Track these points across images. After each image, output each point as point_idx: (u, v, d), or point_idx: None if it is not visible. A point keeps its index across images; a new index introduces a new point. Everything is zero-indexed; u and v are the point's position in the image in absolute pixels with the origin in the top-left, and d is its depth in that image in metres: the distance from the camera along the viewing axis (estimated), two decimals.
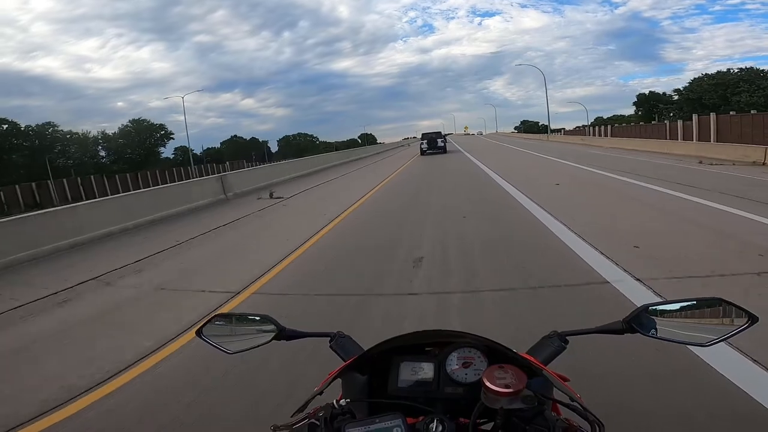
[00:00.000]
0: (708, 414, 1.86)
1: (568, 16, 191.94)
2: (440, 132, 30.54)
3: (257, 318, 0.95)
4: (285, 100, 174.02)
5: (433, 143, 27.16)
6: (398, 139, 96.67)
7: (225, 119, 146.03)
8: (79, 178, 33.52)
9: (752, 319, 0.73)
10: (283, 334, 0.92)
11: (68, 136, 50.46)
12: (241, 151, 76.30)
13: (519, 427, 0.66)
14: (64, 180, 32.47)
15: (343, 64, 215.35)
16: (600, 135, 35.14)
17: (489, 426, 0.71)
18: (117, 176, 35.90)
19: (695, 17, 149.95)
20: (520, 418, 0.66)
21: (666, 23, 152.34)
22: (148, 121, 60.17)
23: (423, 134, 30.13)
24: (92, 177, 33.90)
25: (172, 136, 62.00)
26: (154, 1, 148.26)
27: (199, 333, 0.92)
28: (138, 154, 56.97)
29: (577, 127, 61.54)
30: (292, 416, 0.73)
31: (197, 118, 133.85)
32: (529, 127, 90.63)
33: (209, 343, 0.91)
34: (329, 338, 0.95)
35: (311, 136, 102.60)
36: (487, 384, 0.62)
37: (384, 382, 0.79)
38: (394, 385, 0.77)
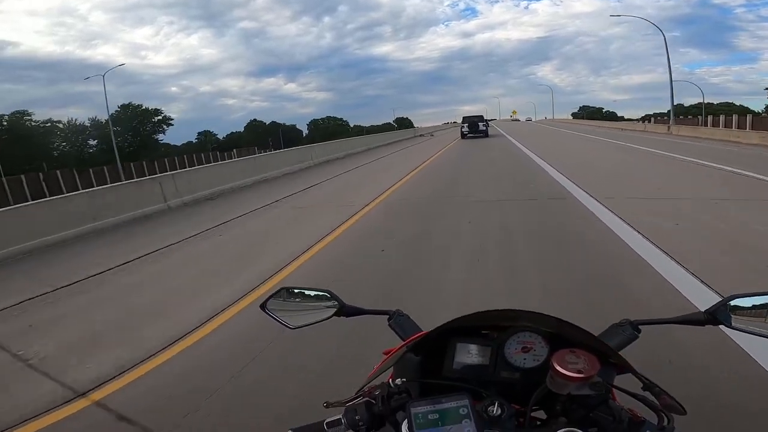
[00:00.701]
0: None
1: (625, 0, 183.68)
2: (482, 116, 29.89)
3: (320, 293, 0.96)
4: (326, 85, 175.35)
5: (474, 127, 26.95)
6: (438, 124, 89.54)
7: (269, 103, 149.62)
8: (41, 174, 27.55)
9: None
10: (344, 311, 0.93)
11: (47, 125, 45.40)
12: (261, 137, 72.12)
13: (579, 414, 0.64)
14: (22, 176, 25.73)
15: (383, 49, 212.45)
16: (717, 126, 25.56)
17: (541, 413, 0.70)
18: (91, 170, 29.63)
19: None
20: (581, 406, 0.64)
21: (740, 11, 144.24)
22: (141, 106, 55.34)
23: (464, 117, 29.32)
24: (58, 171, 27.68)
25: (170, 121, 58.40)
26: None
27: (263, 306, 0.94)
28: (131, 142, 51.09)
29: (647, 115, 54.76)
30: (355, 395, 0.74)
31: (243, 102, 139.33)
32: (590, 113, 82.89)
33: (272, 316, 0.93)
34: (388, 316, 0.96)
35: (341, 119, 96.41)
36: (558, 368, 0.60)
37: (437, 363, 0.78)
38: (449, 366, 0.77)
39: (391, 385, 0.71)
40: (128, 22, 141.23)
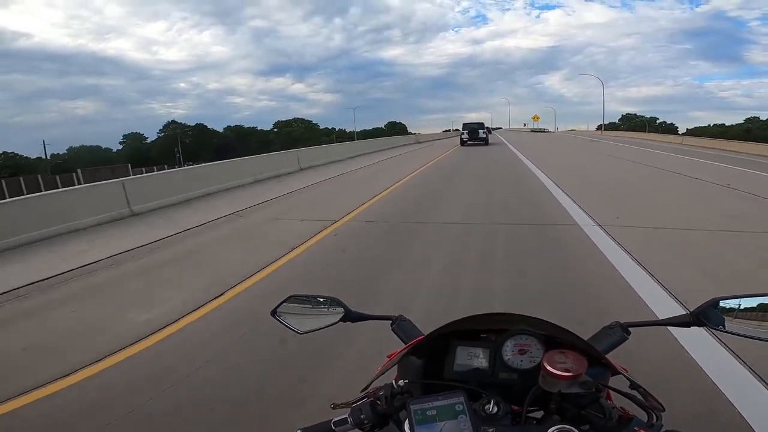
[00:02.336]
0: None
1: (639, 11, 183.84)
2: (482, 123, 29.52)
3: (327, 299, 1.00)
4: (333, 86, 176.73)
5: (475, 134, 26.85)
6: (437, 131, 66.41)
7: (276, 102, 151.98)
8: None
9: None
10: (349, 316, 0.97)
11: None
12: (243, 140, 69.44)
13: (572, 413, 0.68)
14: None
15: (392, 52, 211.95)
16: None
17: (539, 414, 0.73)
18: None
19: None
20: (574, 404, 0.67)
21: (754, 24, 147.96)
22: None
23: (464, 124, 28.63)
24: None
25: None
26: None
27: (273, 313, 0.98)
28: None
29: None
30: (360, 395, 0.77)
31: (251, 101, 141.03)
32: (635, 125, 63.00)
33: (282, 323, 0.97)
34: (391, 321, 1.00)
35: (310, 121, 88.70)
36: (547, 367, 0.64)
37: (439, 365, 0.81)
38: (450, 368, 0.79)
39: (395, 386, 0.75)
40: (143, 15, 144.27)
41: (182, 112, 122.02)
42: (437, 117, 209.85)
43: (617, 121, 78.97)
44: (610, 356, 0.80)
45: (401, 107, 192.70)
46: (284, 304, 0.99)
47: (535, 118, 65.41)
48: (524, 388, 0.71)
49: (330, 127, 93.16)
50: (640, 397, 0.69)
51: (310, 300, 1.01)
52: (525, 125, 69.45)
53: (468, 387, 0.71)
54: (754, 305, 0.75)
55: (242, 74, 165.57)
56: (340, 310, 0.97)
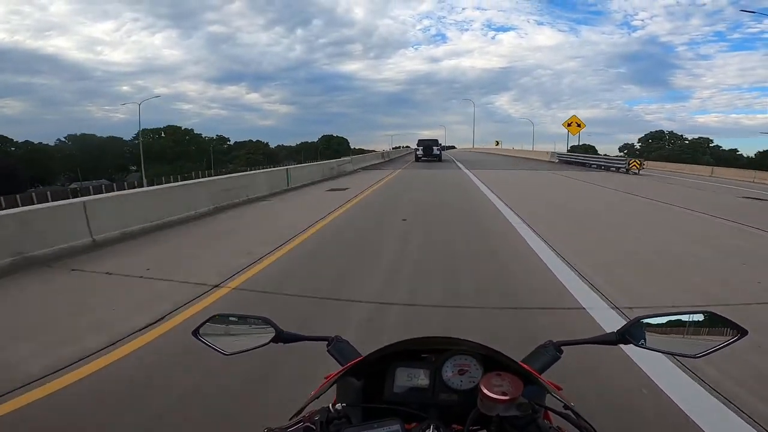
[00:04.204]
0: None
1: (583, 36, 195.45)
2: (437, 140, 31.60)
3: (256, 320, 0.94)
4: (290, 98, 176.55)
5: (429, 150, 28.79)
6: (386, 148, 56.44)
7: (228, 111, 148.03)
8: None
9: (741, 333, 0.76)
10: (281, 337, 0.92)
11: None
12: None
13: None
14: None
15: (351, 67, 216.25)
16: None
17: None
18: None
19: (712, 44, 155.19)
20: (513, 426, 0.67)
21: (681, 48, 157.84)
22: None
23: (419, 140, 30.93)
24: None
25: None
26: None
27: (195, 333, 0.91)
28: None
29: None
30: (290, 419, 0.73)
31: (200, 108, 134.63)
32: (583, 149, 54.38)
33: (205, 342, 0.90)
34: (327, 342, 0.96)
35: (191, 130, 66.04)
36: (485, 391, 0.64)
37: (379, 387, 0.79)
38: (389, 390, 0.78)
39: (331, 410, 0.71)
40: (90, 15, 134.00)
41: (123, 116, 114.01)
42: (392, 133, 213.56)
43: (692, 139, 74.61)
44: (545, 374, 0.83)
45: (356, 122, 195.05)
46: (207, 324, 0.92)
47: (498, 143, 61.11)
48: (465, 409, 0.71)
49: (221, 141, 74.63)
50: (573, 417, 0.70)
51: (237, 320, 0.95)
52: (498, 143, 61.38)
53: (407, 411, 0.70)
54: (672, 323, 0.81)
55: (193, 80, 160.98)
56: (271, 330, 0.92)
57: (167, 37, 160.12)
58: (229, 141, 79.47)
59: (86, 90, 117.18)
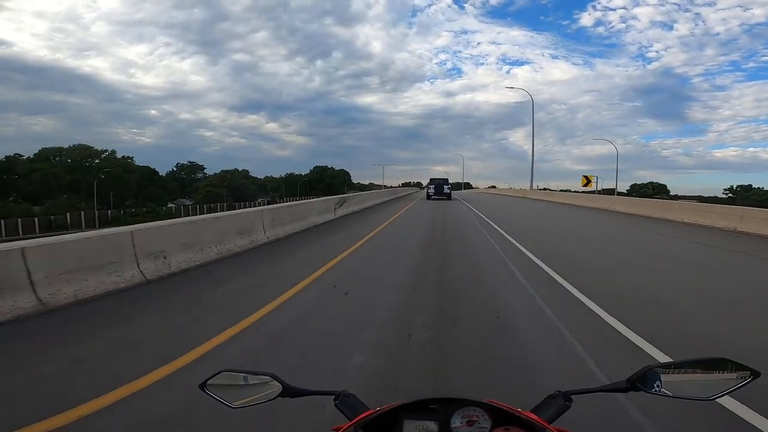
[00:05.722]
0: None
1: (598, 69, 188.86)
2: (446, 179, 33.07)
3: (263, 376, 0.94)
4: (306, 129, 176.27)
5: (440, 189, 30.06)
6: (394, 185, 62.05)
7: (247, 140, 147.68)
8: None
9: (754, 374, 0.76)
10: (288, 392, 0.91)
11: None
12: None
13: None
14: None
15: (368, 99, 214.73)
16: None
17: None
18: None
19: (728, 74, 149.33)
20: None
21: (697, 80, 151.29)
22: None
23: (431, 179, 32.93)
24: None
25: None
26: (206, 13, 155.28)
27: (202, 386, 0.90)
28: None
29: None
30: None
31: (221, 136, 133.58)
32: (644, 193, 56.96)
33: (212, 396, 0.90)
34: (334, 396, 0.94)
35: (135, 165, 56.73)
36: None
37: None
38: None
39: None
40: (127, 37, 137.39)
41: (149, 140, 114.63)
42: (407, 167, 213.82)
43: None
44: (555, 424, 0.81)
45: (370, 155, 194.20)
46: (215, 377, 0.92)
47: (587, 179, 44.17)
48: None
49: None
50: None
51: (244, 375, 0.94)
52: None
53: None
54: (682, 369, 0.82)
55: (216, 107, 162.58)
56: (277, 385, 0.91)
57: (195, 63, 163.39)
58: (205, 169, 74.28)
59: (116, 112, 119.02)
